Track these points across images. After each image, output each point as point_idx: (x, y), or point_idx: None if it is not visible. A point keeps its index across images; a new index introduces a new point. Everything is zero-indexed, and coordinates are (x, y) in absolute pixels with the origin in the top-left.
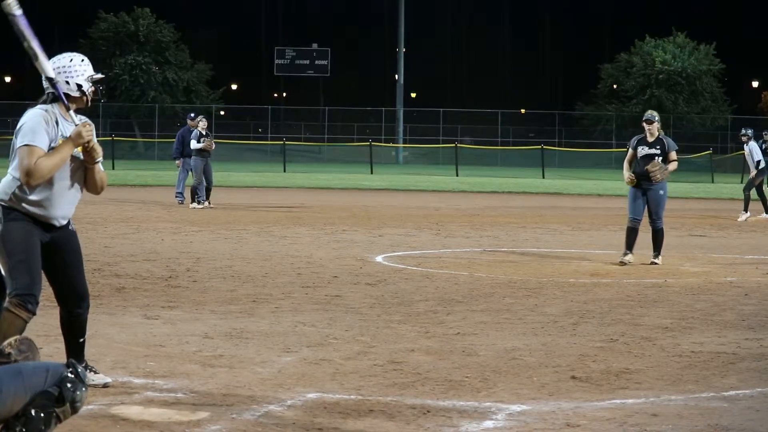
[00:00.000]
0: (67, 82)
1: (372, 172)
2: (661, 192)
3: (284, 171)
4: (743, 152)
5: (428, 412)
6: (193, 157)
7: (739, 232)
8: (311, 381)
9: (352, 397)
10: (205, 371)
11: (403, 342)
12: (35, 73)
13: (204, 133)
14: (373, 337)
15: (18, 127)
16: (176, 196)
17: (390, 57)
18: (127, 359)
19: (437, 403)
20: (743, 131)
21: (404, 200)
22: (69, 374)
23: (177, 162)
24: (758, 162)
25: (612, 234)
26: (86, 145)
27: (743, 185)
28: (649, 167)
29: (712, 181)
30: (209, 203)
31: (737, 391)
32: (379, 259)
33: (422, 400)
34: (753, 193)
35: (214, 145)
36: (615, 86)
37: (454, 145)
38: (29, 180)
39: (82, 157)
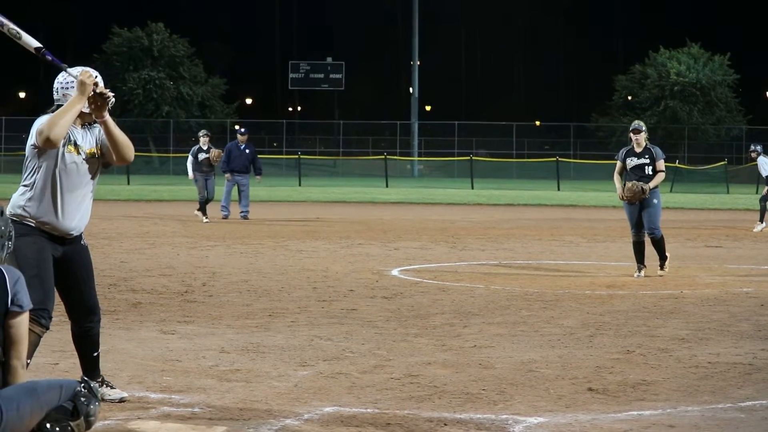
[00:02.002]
0: None
1: (387, 186)
2: (655, 201)
3: (299, 185)
4: (756, 163)
5: (445, 425)
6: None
7: (755, 243)
8: (328, 395)
9: (368, 410)
10: (222, 386)
11: (420, 355)
12: (49, 89)
13: (205, 148)
14: (389, 351)
15: (31, 132)
16: (221, 209)
17: (404, 70)
18: (144, 374)
19: (454, 416)
20: (752, 147)
21: (419, 213)
22: (82, 388)
23: (227, 175)
24: None
25: (627, 246)
26: (95, 90)
27: (759, 195)
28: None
29: (728, 192)
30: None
31: (754, 402)
32: (395, 272)
33: (439, 413)
34: None
35: (221, 158)
36: (630, 98)
37: (469, 157)
38: (48, 137)
39: (86, 156)
